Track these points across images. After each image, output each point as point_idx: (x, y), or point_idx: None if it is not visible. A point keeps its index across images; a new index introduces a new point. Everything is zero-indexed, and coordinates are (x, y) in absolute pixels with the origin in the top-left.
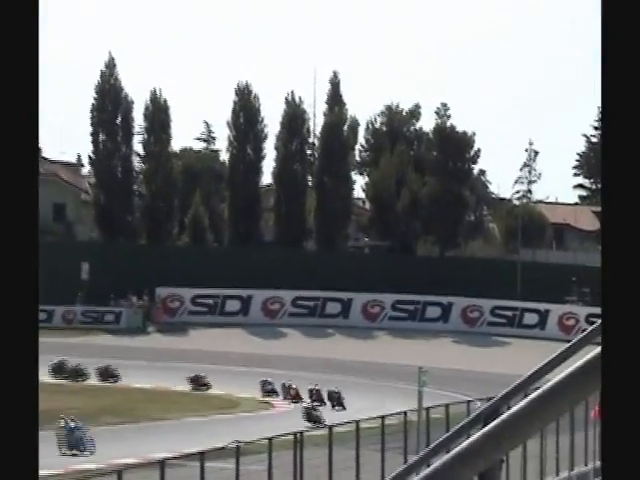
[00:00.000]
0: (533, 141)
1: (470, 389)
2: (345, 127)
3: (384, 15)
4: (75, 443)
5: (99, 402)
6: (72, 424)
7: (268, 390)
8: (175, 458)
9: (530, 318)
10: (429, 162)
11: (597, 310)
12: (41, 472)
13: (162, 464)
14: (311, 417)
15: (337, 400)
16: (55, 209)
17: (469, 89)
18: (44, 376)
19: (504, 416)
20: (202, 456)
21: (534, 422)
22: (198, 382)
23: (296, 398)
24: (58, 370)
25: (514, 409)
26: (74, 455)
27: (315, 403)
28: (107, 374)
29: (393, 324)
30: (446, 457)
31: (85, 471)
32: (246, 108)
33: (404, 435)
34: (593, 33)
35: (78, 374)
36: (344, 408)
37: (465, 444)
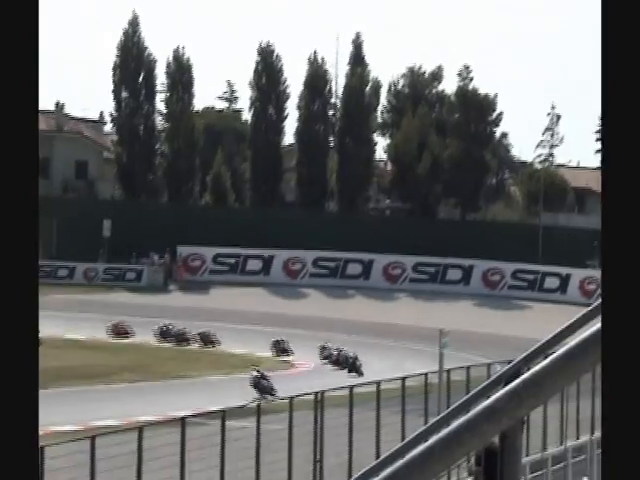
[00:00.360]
0: (555, 105)
1: (490, 352)
2: (367, 89)
3: None
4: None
5: (121, 359)
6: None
7: (279, 349)
8: (196, 416)
9: (551, 282)
10: (451, 125)
11: None
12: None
13: (183, 422)
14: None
15: (352, 365)
16: (77, 166)
17: (492, 51)
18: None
19: (527, 374)
20: (223, 414)
21: (557, 380)
22: (206, 340)
23: (284, 353)
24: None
25: (537, 367)
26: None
27: (326, 363)
28: (117, 330)
29: (414, 286)
30: (471, 414)
31: (105, 427)
32: (268, 68)
33: (424, 397)
34: None
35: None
36: (360, 374)
37: (489, 401)
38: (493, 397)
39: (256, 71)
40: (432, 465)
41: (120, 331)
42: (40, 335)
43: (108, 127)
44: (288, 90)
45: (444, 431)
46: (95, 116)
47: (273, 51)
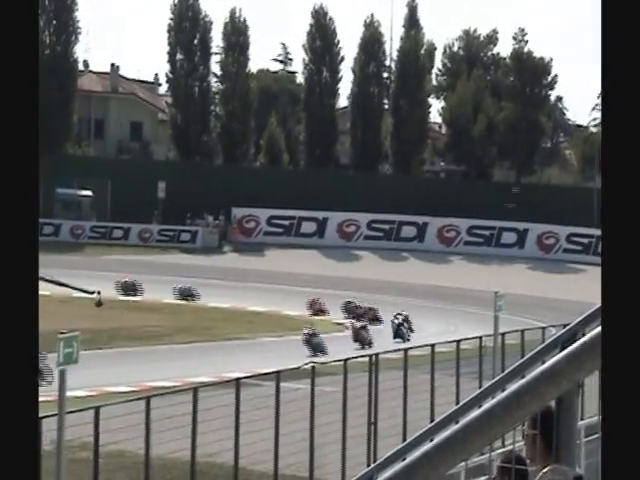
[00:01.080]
0: None
1: (545, 316)
2: (422, 51)
3: None
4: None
5: (175, 321)
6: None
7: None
8: (250, 377)
9: None
10: (506, 88)
11: None
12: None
13: (237, 383)
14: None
15: (396, 332)
16: (132, 128)
17: (547, 14)
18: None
19: (586, 338)
20: (278, 376)
21: None
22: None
23: (320, 313)
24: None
25: (595, 331)
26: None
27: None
28: (186, 293)
29: (468, 249)
30: (530, 376)
31: (160, 388)
32: (322, 30)
33: (479, 360)
34: None
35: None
36: (404, 340)
37: (548, 364)
38: (552, 360)
39: (310, 33)
40: (491, 428)
41: (184, 293)
42: (97, 296)
43: (163, 89)
44: (341, 52)
45: (503, 394)
46: (150, 78)
47: (326, 13)
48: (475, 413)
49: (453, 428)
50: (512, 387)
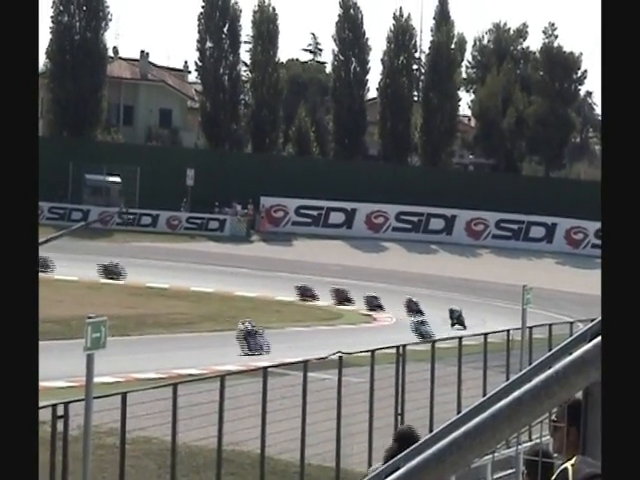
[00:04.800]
0: None
1: (573, 310)
2: (453, 44)
3: None
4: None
5: (202, 308)
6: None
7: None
8: (277, 366)
9: None
10: (535, 82)
11: None
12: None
13: (265, 372)
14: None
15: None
16: (162, 115)
17: (577, 8)
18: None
19: None
20: (305, 365)
21: None
22: (305, 294)
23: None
24: None
25: None
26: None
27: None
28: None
29: (497, 242)
30: (559, 365)
31: (187, 376)
32: (351, 21)
33: (507, 354)
34: None
35: None
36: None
37: (578, 353)
38: (581, 349)
39: (338, 24)
40: (519, 416)
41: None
42: (124, 282)
43: (192, 76)
44: (370, 43)
45: (532, 382)
46: (179, 65)
47: (355, 3)
48: (504, 401)
49: (482, 415)
50: (541, 376)
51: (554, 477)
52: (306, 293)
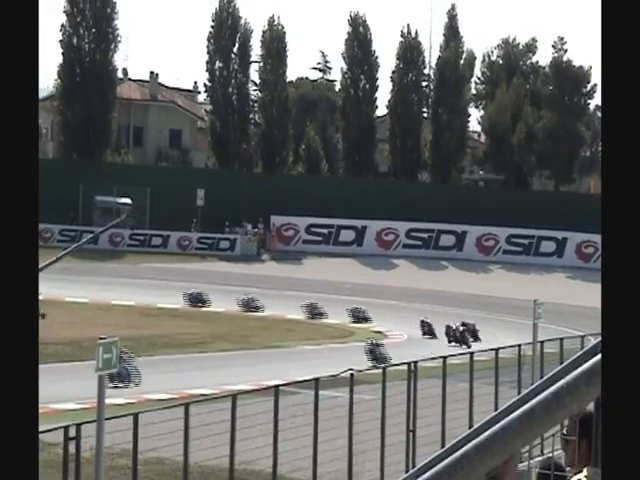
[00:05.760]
0: None
1: (584, 325)
2: (462, 60)
3: None
4: None
5: (213, 328)
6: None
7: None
8: (289, 384)
9: None
10: (545, 96)
11: None
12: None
13: (276, 390)
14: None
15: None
16: (171, 135)
17: (586, 22)
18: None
19: None
20: (316, 383)
21: None
22: (313, 311)
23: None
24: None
25: None
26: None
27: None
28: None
29: (507, 258)
30: (570, 376)
31: (198, 395)
32: (360, 39)
33: (518, 369)
34: None
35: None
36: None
37: (589, 364)
38: (592, 360)
39: (347, 41)
40: (531, 428)
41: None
42: (133, 303)
43: (202, 97)
44: (378, 61)
45: (543, 394)
46: (189, 86)
47: (364, 21)
48: (515, 413)
49: (494, 428)
50: (552, 388)
51: None
52: (314, 311)
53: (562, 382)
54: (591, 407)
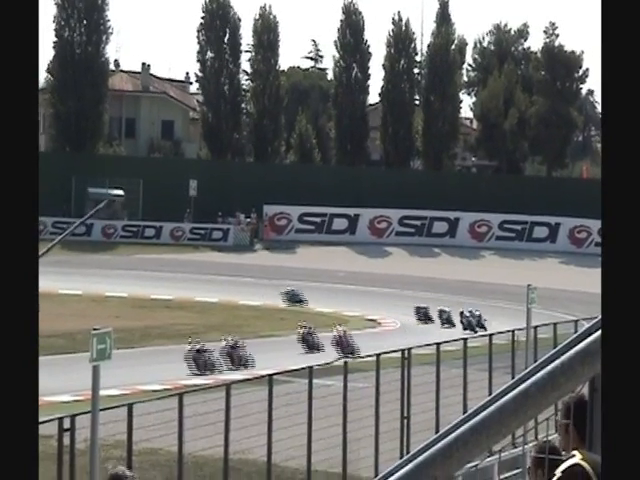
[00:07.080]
0: None
1: (577, 309)
2: (453, 46)
3: None
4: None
5: (207, 319)
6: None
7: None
8: (282, 373)
9: None
10: (537, 82)
11: None
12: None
13: (270, 380)
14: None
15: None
16: (163, 126)
17: (577, 7)
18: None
19: None
20: (310, 372)
21: None
22: (293, 299)
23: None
24: None
25: None
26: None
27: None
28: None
29: (500, 244)
30: (565, 357)
31: (192, 386)
32: (352, 27)
33: (512, 354)
34: None
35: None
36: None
37: (583, 344)
38: (587, 340)
39: (340, 29)
40: (526, 409)
41: (293, 298)
42: (126, 295)
43: (194, 87)
44: (371, 49)
45: (538, 374)
46: (181, 76)
47: (357, 9)
48: (510, 395)
49: (489, 409)
50: (547, 368)
51: (561, 470)
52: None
53: (556, 362)
54: (585, 392)
